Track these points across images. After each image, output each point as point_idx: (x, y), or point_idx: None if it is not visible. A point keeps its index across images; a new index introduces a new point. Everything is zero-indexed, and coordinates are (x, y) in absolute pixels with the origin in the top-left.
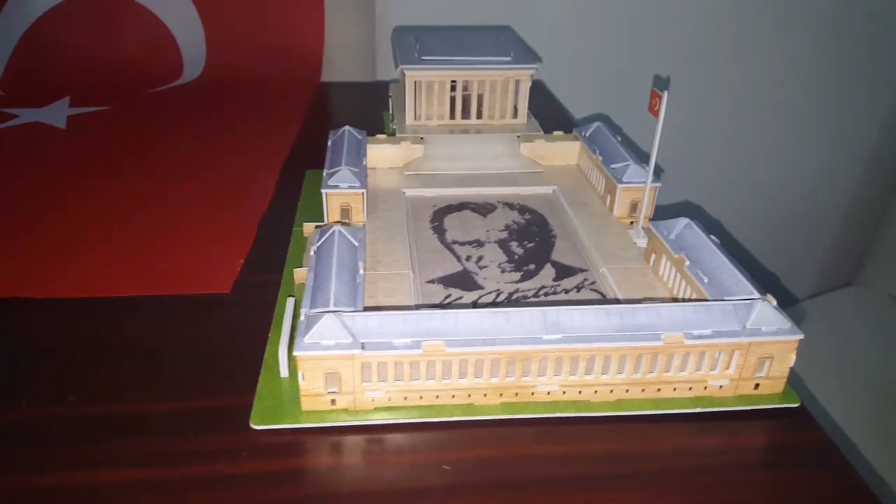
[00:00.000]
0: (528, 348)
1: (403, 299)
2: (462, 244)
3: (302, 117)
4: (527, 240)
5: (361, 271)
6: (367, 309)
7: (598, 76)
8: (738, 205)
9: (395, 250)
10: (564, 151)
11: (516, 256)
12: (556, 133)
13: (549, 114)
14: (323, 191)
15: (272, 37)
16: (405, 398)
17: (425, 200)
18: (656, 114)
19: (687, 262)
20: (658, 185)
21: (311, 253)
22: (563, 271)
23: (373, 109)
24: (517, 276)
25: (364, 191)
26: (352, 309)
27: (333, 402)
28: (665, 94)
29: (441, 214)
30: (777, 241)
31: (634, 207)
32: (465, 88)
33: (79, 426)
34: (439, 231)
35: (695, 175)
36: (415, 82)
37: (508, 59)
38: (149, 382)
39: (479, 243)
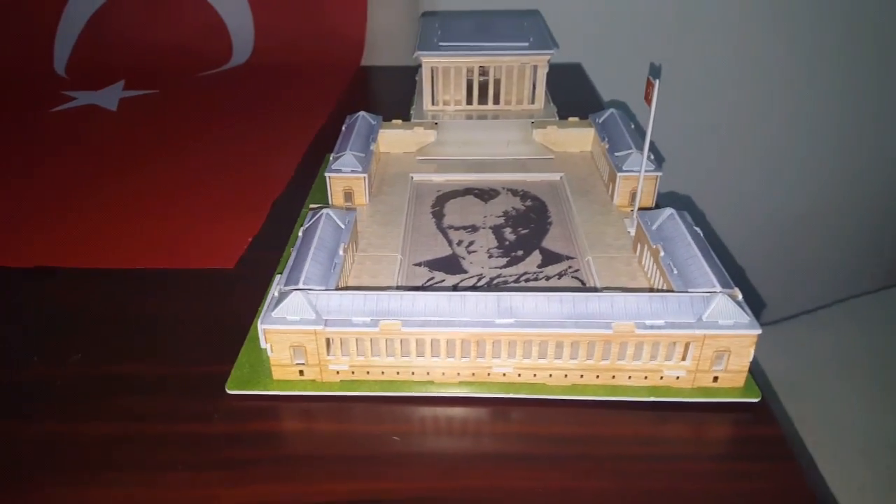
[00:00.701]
0: (481, 331)
1: (386, 280)
2: (457, 229)
3: (335, 101)
4: (521, 226)
5: (341, 252)
6: (347, 289)
7: (638, 63)
8: (782, 201)
9: (389, 233)
10: (578, 138)
11: (507, 242)
12: (570, 119)
13: (580, 98)
14: (326, 174)
15: (316, 22)
16: (367, 373)
17: (432, 185)
18: (650, 102)
19: (662, 253)
20: (658, 173)
21: (300, 233)
22: (550, 258)
23: (408, 93)
24: (503, 261)
25: (365, 175)
26: (322, 288)
27: (301, 372)
28: (657, 83)
29: (444, 199)
30: (826, 236)
31: (635, 195)
32: (485, 74)
33: (78, 384)
34: (438, 216)
35: (742, 168)
36: (431, 68)
37: (526, 44)
38: (143, 348)
39: (473, 228)
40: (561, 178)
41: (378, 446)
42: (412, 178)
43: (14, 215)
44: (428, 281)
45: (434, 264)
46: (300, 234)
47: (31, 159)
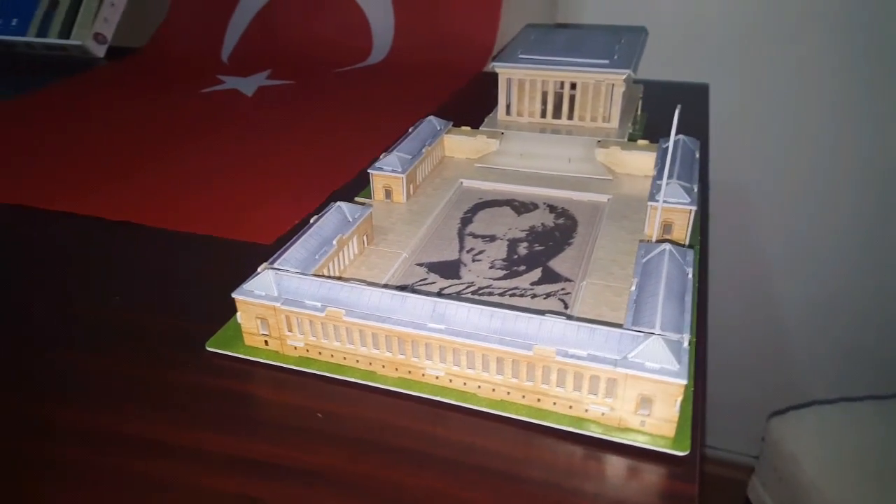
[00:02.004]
0: (412, 331)
1: (380, 275)
2: (476, 237)
3: (439, 103)
4: (539, 242)
5: (334, 242)
6: (338, 279)
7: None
8: None
9: (408, 232)
10: (641, 161)
11: (515, 256)
12: (640, 142)
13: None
14: (369, 171)
15: (452, 25)
16: (319, 353)
17: (476, 192)
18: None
19: (632, 287)
20: (690, 207)
21: (312, 221)
22: (549, 277)
23: None
24: (501, 273)
25: (403, 176)
26: (297, 271)
27: (266, 343)
28: (677, 109)
29: (480, 207)
30: None
31: (668, 228)
32: (563, 89)
33: (76, 326)
34: (465, 222)
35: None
36: (507, 79)
37: (606, 62)
38: (149, 303)
39: (491, 238)
40: (608, 199)
41: (305, 420)
42: (461, 183)
43: (106, 170)
44: (420, 282)
45: (434, 266)
46: (311, 221)
47: (168, 131)
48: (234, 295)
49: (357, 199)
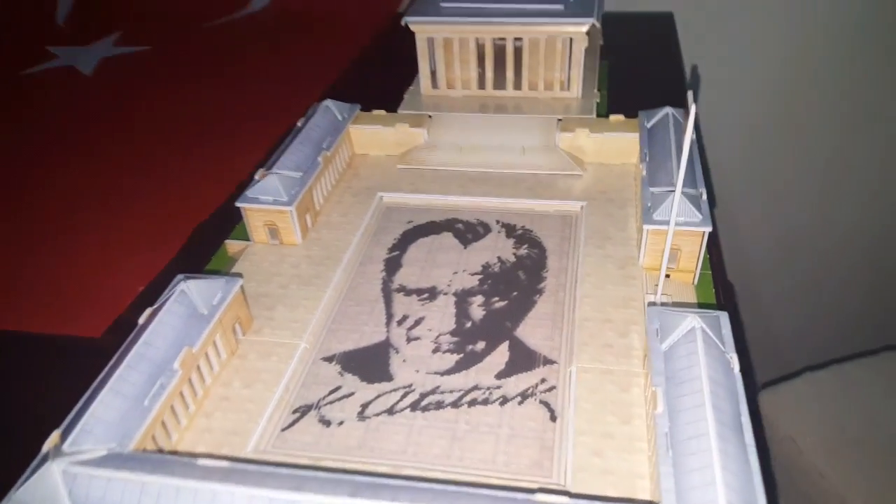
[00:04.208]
0: None
1: (265, 394)
2: (409, 293)
3: (343, 66)
4: (499, 294)
5: (176, 367)
6: (172, 453)
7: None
8: None
9: (307, 298)
10: (619, 147)
11: (468, 324)
12: (613, 118)
13: (654, 74)
14: (238, 205)
15: None
16: None
17: (403, 211)
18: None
19: (658, 418)
20: (703, 229)
21: (141, 323)
22: (520, 360)
23: None
24: (451, 361)
25: (291, 209)
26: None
27: None
28: (693, 108)
29: (410, 238)
30: None
31: (673, 256)
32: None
33: None
34: (391, 267)
35: None
36: (427, 39)
37: (560, 7)
38: None
39: (431, 294)
40: (582, 208)
41: None
42: (381, 198)
43: None
44: (333, 391)
45: (352, 361)
46: (139, 324)
47: None
48: None
49: (228, 242)
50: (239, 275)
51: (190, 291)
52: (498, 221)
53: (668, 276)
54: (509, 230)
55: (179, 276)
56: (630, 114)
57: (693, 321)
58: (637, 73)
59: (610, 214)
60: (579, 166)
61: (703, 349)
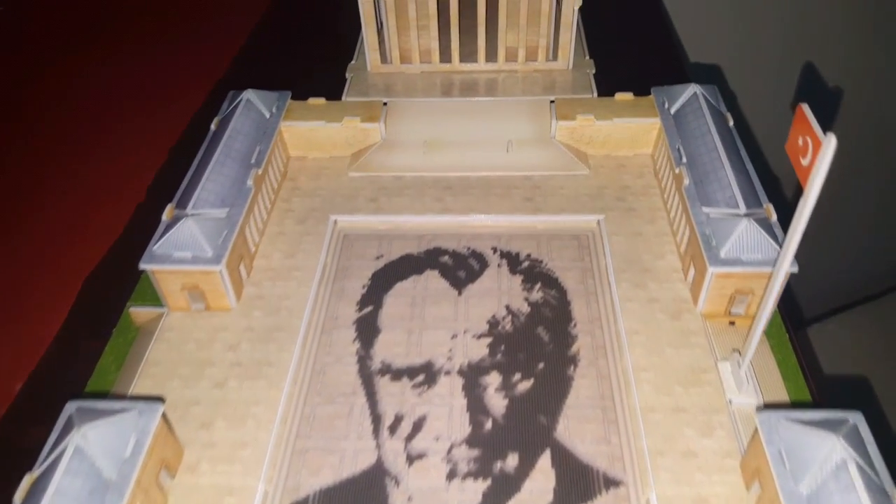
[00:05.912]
0: None
1: None
2: (399, 375)
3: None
4: (520, 369)
5: None
6: None
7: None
8: None
9: (258, 399)
10: (631, 133)
11: (487, 425)
12: (620, 97)
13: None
14: (143, 267)
15: None
16: None
17: (368, 241)
18: (805, 175)
19: None
20: (792, 270)
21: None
22: (571, 483)
23: None
24: (475, 494)
25: (220, 269)
26: None
27: None
28: (832, 141)
29: (384, 282)
30: None
31: (739, 300)
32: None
33: None
34: (366, 335)
35: None
36: None
37: None
38: None
39: (428, 376)
40: (599, 224)
41: None
42: (335, 222)
43: None
44: None
45: (333, 502)
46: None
47: None
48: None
49: (135, 307)
50: (159, 399)
51: (88, 444)
52: (494, 249)
53: (731, 322)
54: (512, 262)
55: (69, 407)
56: (625, 86)
57: (834, 444)
58: (607, 23)
59: (638, 232)
60: (582, 161)
61: (863, 490)
